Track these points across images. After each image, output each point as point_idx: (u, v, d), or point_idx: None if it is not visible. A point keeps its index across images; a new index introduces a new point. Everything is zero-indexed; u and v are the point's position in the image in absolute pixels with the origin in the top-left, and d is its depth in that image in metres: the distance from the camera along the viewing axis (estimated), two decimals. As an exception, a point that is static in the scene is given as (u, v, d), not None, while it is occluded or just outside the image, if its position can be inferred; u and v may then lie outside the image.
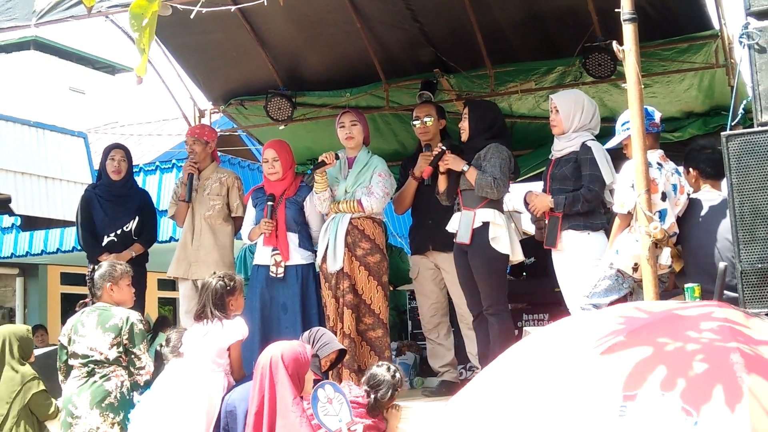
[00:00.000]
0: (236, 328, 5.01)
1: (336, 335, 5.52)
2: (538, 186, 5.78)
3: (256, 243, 6.20)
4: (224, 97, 7.80)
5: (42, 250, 13.04)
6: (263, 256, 6.03)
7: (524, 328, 5.77)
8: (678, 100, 7.21)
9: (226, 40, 7.20)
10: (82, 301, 5.46)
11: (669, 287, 4.79)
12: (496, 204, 5.56)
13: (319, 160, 5.93)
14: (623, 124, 4.69)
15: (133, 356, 5.11)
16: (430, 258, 6.17)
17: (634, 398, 2.01)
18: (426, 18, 6.75)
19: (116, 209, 6.63)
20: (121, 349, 5.08)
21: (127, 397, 5.06)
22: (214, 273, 5.21)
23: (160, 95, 42.48)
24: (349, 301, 5.72)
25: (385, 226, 6.27)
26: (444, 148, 5.76)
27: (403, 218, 10.50)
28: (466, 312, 5.82)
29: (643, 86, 4.16)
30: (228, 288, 5.06)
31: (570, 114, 5.27)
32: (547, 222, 5.28)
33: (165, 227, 10.86)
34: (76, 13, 4.95)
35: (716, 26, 6.31)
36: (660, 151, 4.73)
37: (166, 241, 10.70)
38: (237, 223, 6.57)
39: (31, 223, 12.23)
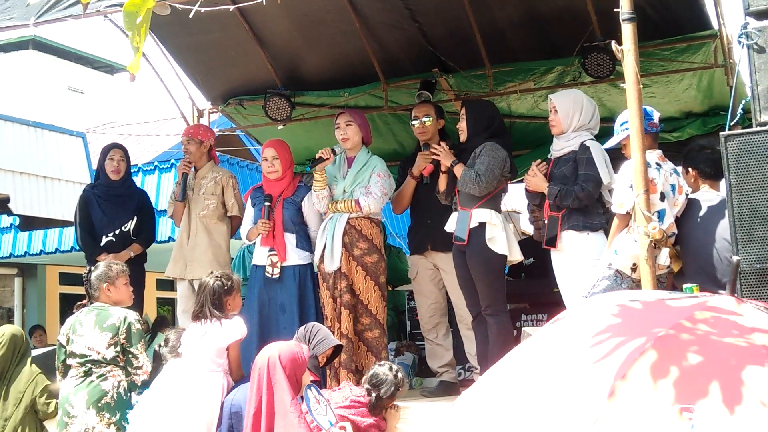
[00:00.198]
0: (235, 328, 5.00)
1: (333, 335, 5.51)
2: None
3: (254, 243, 6.19)
4: (223, 96, 7.80)
5: (40, 250, 13.03)
6: (261, 256, 6.02)
7: (523, 329, 5.76)
8: (677, 100, 7.21)
9: (224, 40, 7.20)
10: (79, 303, 5.44)
11: (668, 287, 4.78)
12: (493, 204, 5.55)
13: (317, 157, 5.93)
14: (622, 124, 4.68)
15: (130, 356, 5.10)
16: (428, 258, 6.17)
17: (624, 378, 2.01)
18: (425, 18, 6.75)
19: (114, 209, 6.62)
20: (118, 348, 5.07)
21: (124, 398, 5.05)
22: (212, 273, 5.21)
23: (158, 95, 42.52)
24: (347, 301, 5.72)
25: (383, 226, 6.26)
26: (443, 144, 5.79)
27: (401, 218, 10.50)
28: (465, 312, 5.82)
29: (641, 86, 4.16)
30: (225, 287, 5.05)
31: (569, 114, 5.27)
32: (546, 222, 5.28)
33: (163, 227, 10.86)
34: (75, 12, 4.95)
35: (715, 26, 6.30)
36: (659, 151, 4.72)
37: (164, 241, 10.69)
38: (233, 222, 6.56)
39: (29, 223, 12.22)
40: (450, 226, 5.66)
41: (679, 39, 6.38)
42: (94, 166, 7.15)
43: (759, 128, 3.81)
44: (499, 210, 5.60)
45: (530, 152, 7.70)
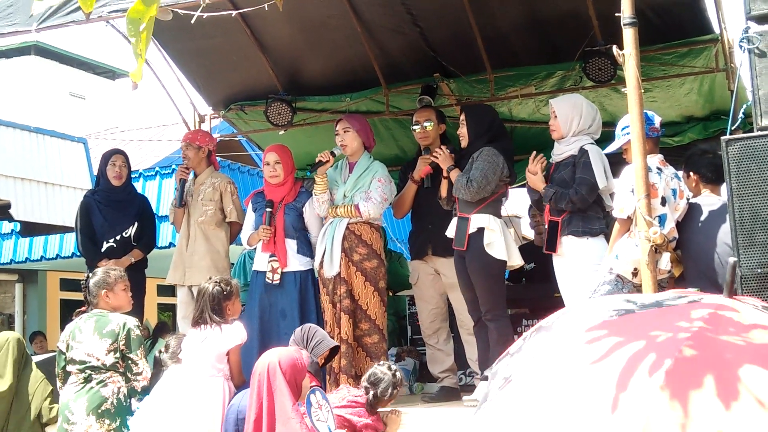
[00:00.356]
0: (235, 333, 5.00)
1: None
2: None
3: (255, 248, 6.19)
4: (224, 102, 7.81)
5: (41, 256, 13.03)
6: (262, 262, 6.02)
7: (524, 334, 5.74)
8: (678, 104, 7.21)
9: (226, 45, 7.21)
10: (78, 310, 5.43)
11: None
12: (493, 209, 5.55)
13: (317, 161, 5.94)
14: (623, 129, 4.68)
15: (130, 362, 5.09)
16: (429, 263, 6.16)
17: (625, 390, 2.00)
18: (426, 23, 6.75)
19: (115, 215, 6.62)
20: (118, 355, 5.06)
21: (124, 404, 5.04)
22: (210, 278, 5.20)
23: (160, 100, 42.47)
24: (346, 307, 5.72)
25: (383, 231, 6.25)
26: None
27: (402, 223, 10.49)
28: (466, 317, 5.81)
29: (643, 90, 4.16)
30: (225, 293, 5.05)
31: (568, 118, 5.28)
32: (546, 227, 5.28)
33: (164, 233, 10.86)
34: (77, 18, 4.95)
35: (716, 30, 6.31)
36: (660, 156, 4.73)
37: (165, 247, 10.69)
38: (232, 228, 6.55)
39: (30, 229, 12.22)
40: (450, 231, 5.66)
41: (680, 43, 6.39)
42: (96, 172, 7.15)
43: (760, 133, 3.81)
44: (498, 215, 5.60)
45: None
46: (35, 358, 6.03)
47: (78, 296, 5.36)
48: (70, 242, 12.21)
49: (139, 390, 5.12)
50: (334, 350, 5.25)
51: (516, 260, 5.56)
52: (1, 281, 14.70)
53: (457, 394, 5.89)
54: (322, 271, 5.88)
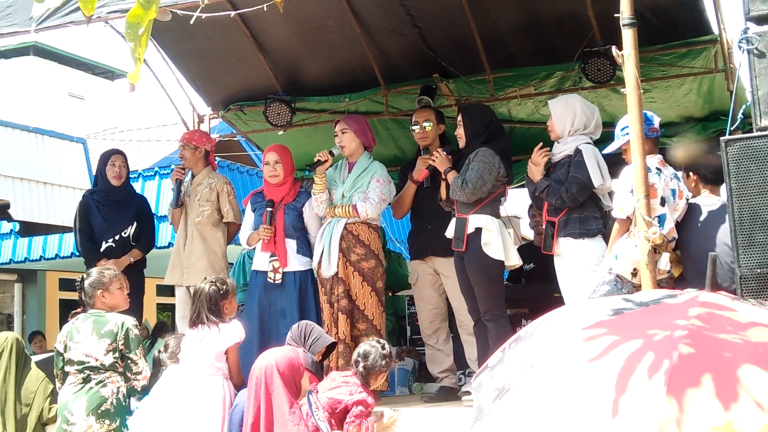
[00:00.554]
0: (233, 331, 5.00)
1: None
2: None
3: (254, 248, 6.19)
4: (223, 102, 7.81)
5: (40, 256, 13.02)
6: (261, 261, 6.02)
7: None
8: (677, 104, 7.21)
9: (225, 46, 7.21)
10: (74, 311, 5.43)
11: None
12: (491, 209, 5.55)
13: (315, 160, 5.94)
14: (622, 129, 4.69)
15: (129, 361, 5.09)
16: (429, 263, 6.16)
17: (625, 393, 2.00)
18: (425, 23, 6.75)
19: (114, 215, 6.61)
20: (117, 354, 5.06)
21: (123, 404, 5.04)
22: (205, 278, 5.20)
23: (159, 101, 42.54)
24: (344, 307, 5.72)
25: (382, 231, 6.25)
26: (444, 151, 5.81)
27: (402, 223, 10.49)
28: (465, 317, 5.81)
29: (642, 91, 4.16)
30: (221, 292, 5.06)
31: (562, 119, 5.31)
32: (545, 227, 5.30)
33: (163, 233, 10.86)
34: (76, 18, 4.95)
35: (715, 31, 6.31)
36: (659, 156, 4.73)
37: (164, 247, 10.68)
38: (230, 228, 6.54)
39: (29, 229, 12.23)
40: (449, 232, 5.66)
41: (679, 44, 6.39)
42: (95, 172, 7.15)
43: (759, 133, 3.82)
44: (497, 215, 5.60)
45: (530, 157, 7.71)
46: (34, 358, 6.03)
47: (77, 296, 5.35)
48: (69, 242, 12.20)
49: (138, 389, 5.13)
50: (332, 347, 5.26)
51: (514, 260, 5.56)
52: (0, 281, 14.70)
53: (456, 394, 5.89)
54: (320, 271, 5.88)
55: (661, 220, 4.47)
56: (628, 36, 4.13)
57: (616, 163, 5.02)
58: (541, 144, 5.40)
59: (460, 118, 5.78)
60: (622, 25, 4.15)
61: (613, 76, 6.28)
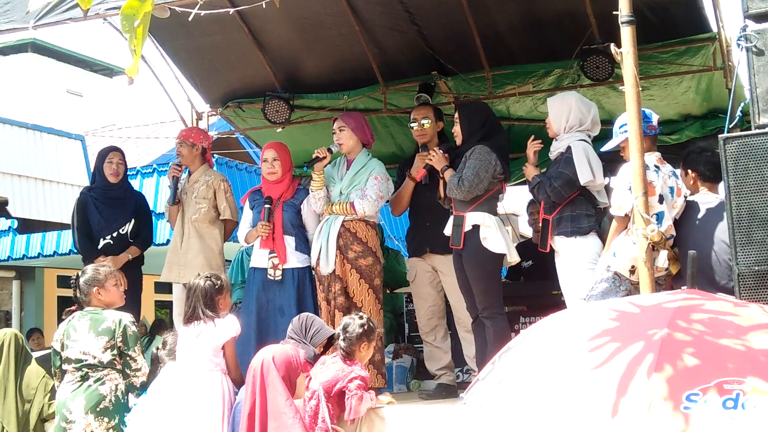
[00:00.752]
0: (229, 326, 5.01)
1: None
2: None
3: (252, 245, 6.19)
4: (222, 99, 7.80)
5: (39, 253, 13.01)
6: (260, 258, 6.02)
7: (521, 331, 5.75)
8: (675, 102, 7.21)
9: (224, 43, 7.20)
10: (68, 309, 5.42)
11: (666, 290, 4.79)
12: (488, 207, 5.56)
13: (313, 157, 5.94)
14: (621, 127, 4.69)
15: (128, 358, 5.09)
16: (427, 261, 6.16)
17: (625, 394, 2.00)
18: (424, 21, 6.75)
19: (112, 212, 6.60)
20: (115, 352, 5.06)
21: (122, 401, 5.04)
22: (199, 274, 5.20)
23: (157, 98, 42.44)
24: (341, 304, 5.72)
25: (380, 228, 6.24)
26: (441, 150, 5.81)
27: (400, 221, 10.49)
28: (464, 315, 5.81)
29: (640, 89, 4.16)
30: (216, 287, 5.07)
31: (558, 116, 5.35)
32: (541, 225, 5.34)
33: (162, 230, 10.85)
34: (74, 15, 4.94)
35: (714, 29, 6.31)
36: (657, 154, 4.73)
37: (162, 244, 10.66)
38: (226, 226, 6.54)
39: (27, 226, 12.22)
40: (448, 230, 5.67)
41: (677, 42, 6.39)
42: (93, 169, 7.15)
43: (758, 131, 3.82)
44: (494, 212, 5.61)
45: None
46: (33, 355, 6.04)
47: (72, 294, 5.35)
48: (67, 239, 12.20)
49: (137, 386, 5.13)
50: (332, 339, 5.27)
51: (513, 254, 5.57)
52: (-1, 278, 14.71)
53: (454, 391, 5.89)
54: (318, 268, 5.89)
55: (660, 217, 4.48)
56: (626, 34, 4.13)
57: (614, 160, 5.02)
58: (533, 136, 5.42)
59: (456, 115, 5.79)
60: (620, 23, 4.15)
61: (611, 73, 6.28)
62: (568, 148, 5.21)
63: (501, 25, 6.72)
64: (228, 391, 4.95)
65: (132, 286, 6.11)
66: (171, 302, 6.77)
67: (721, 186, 4.23)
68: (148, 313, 14.53)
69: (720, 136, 3.89)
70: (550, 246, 5.26)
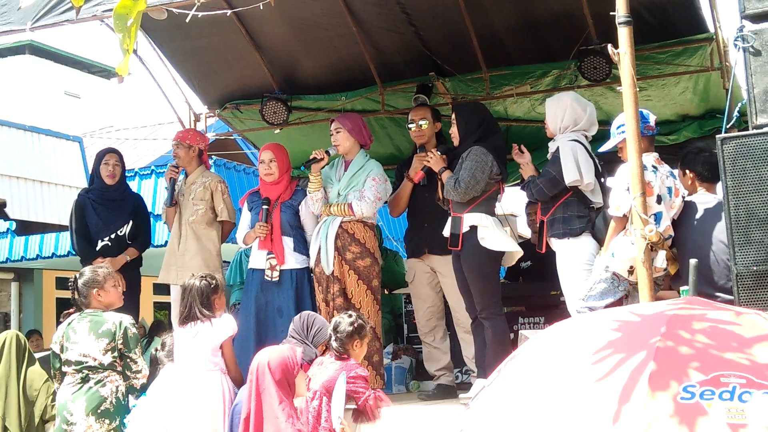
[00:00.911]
0: (226, 325, 5.01)
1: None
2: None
3: (251, 247, 6.19)
4: (220, 100, 7.80)
5: (37, 255, 12.99)
6: (258, 259, 6.02)
7: (520, 332, 5.76)
8: (673, 103, 7.22)
9: (221, 44, 7.20)
10: (66, 312, 5.41)
11: (664, 290, 4.80)
12: (485, 207, 5.56)
13: (311, 158, 5.95)
14: (618, 127, 4.70)
15: (129, 360, 5.09)
16: (426, 261, 6.17)
17: (628, 401, 2.00)
18: (421, 22, 6.75)
19: (110, 213, 6.60)
20: (115, 354, 5.06)
21: (123, 402, 5.04)
22: (194, 274, 5.20)
23: (155, 99, 42.52)
24: (339, 305, 5.72)
25: (378, 229, 6.24)
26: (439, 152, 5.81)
27: (398, 221, 10.49)
28: (463, 315, 5.82)
29: (638, 89, 4.17)
30: (212, 286, 5.07)
31: (553, 116, 5.37)
32: (538, 226, 5.36)
33: (160, 231, 10.84)
34: (71, 16, 4.94)
35: (711, 29, 6.32)
36: (655, 154, 4.74)
37: (161, 245, 10.64)
38: (224, 227, 6.53)
39: (26, 228, 12.22)
40: (446, 230, 5.67)
41: (675, 42, 6.40)
42: (90, 171, 7.15)
43: (755, 131, 3.82)
44: (492, 213, 5.61)
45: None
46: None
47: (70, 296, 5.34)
48: (65, 241, 12.18)
49: (138, 387, 5.13)
50: None
51: (515, 248, 5.56)
52: (-3, 280, 14.69)
53: (453, 392, 5.89)
54: (316, 270, 5.89)
55: (658, 217, 4.48)
56: (623, 34, 4.13)
57: (612, 161, 5.03)
58: (516, 147, 5.50)
59: (453, 116, 5.79)
60: (617, 23, 4.15)
61: (609, 74, 6.28)
62: (557, 148, 5.23)
63: (498, 25, 6.72)
64: (228, 390, 4.95)
65: (130, 287, 6.11)
66: (169, 304, 6.76)
67: (719, 186, 4.24)
68: (147, 315, 14.53)
69: (717, 136, 3.89)
70: (550, 246, 5.26)
